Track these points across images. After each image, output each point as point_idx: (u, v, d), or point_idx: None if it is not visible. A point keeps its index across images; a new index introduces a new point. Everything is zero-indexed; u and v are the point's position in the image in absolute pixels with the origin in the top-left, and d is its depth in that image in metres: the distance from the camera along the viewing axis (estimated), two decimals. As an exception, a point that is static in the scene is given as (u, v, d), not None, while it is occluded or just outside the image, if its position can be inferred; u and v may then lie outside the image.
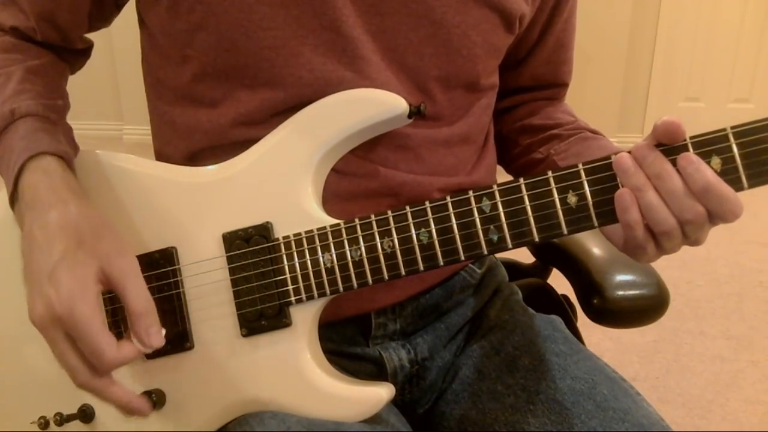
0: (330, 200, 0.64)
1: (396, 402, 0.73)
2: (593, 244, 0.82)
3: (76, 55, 0.74)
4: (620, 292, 0.76)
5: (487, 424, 0.67)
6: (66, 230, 0.55)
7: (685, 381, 1.76)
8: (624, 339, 1.92)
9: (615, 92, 3.33)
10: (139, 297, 0.54)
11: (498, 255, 0.95)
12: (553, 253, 0.89)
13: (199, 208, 0.64)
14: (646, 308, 0.77)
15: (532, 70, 0.80)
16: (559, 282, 0.90)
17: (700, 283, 2.24)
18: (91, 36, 0.76)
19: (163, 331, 0.56)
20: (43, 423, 0.65)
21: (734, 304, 2.13)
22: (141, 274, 0.55)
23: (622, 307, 0.77)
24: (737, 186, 0.51)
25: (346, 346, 0.71)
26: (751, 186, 0.51)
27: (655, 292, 0.77)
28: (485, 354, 0.73)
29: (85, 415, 0.64)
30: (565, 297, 0.91)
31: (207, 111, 0.66)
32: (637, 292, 0.77)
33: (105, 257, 0.54)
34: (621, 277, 0.78)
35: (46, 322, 0.53)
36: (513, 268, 0.97)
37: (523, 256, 0.97)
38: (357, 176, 0.65)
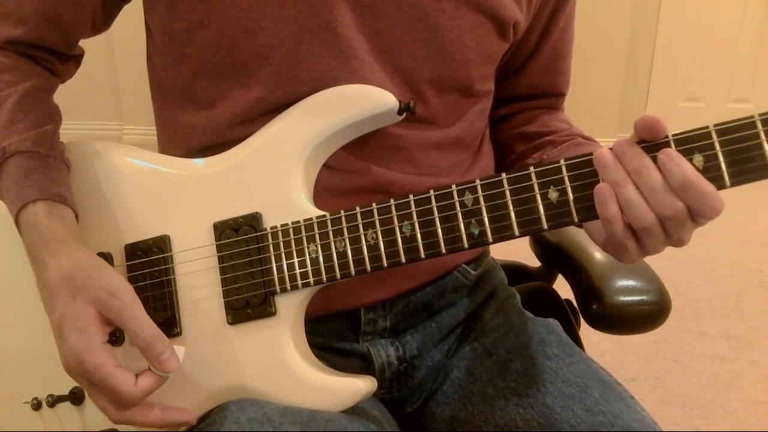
0: (321, 195, 0.65)
1: (384, 400, 0.74)
2: (595, 248, 0.80)
3: (70, 62, 0.74)
4: (620, 298, 0.75)
5: (476, 426, 0.67)
6: (62, 285, 0.58)
7: (685, 381, 1.76)
8: (624, 339, 1.92)
9: (615, 92, 3.32)
10: (140, 329, 0.56)
11: (505, 258, 0.95)
12: (556, 257, 0.89)
13: (193, 198, 0.65)
14: (647, 315, 0.76)
15: (528, 79, 0.80)
16: (566, 286, 0.90)
17: (700, 283, 2.24)
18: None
19: (182, 349, 0.58)
20: (36, 404, 0.67)
21: (734, 304, 2.13)
22: (138, 304, 0.57)
23: (622, 314, 0.75)
24: (720, 183, 0.50)
25: (336, 341, 0.71)
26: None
27: (656, 299, 0.75)
28: (477, 356, 0.73)
29: (76, 397, 0.65)
30: (568, 301, 0.90)
31: (205, 111, 0.67)
32: (637, 298, 0.76)
33: (99, 302, 0.57)
34: (621, 283, 0.76)
35: (71, 374, 0.58)
36: (520, 271, 0.97)
37: (532, 260, 0.97)
38: (348, 172, 0.66)
